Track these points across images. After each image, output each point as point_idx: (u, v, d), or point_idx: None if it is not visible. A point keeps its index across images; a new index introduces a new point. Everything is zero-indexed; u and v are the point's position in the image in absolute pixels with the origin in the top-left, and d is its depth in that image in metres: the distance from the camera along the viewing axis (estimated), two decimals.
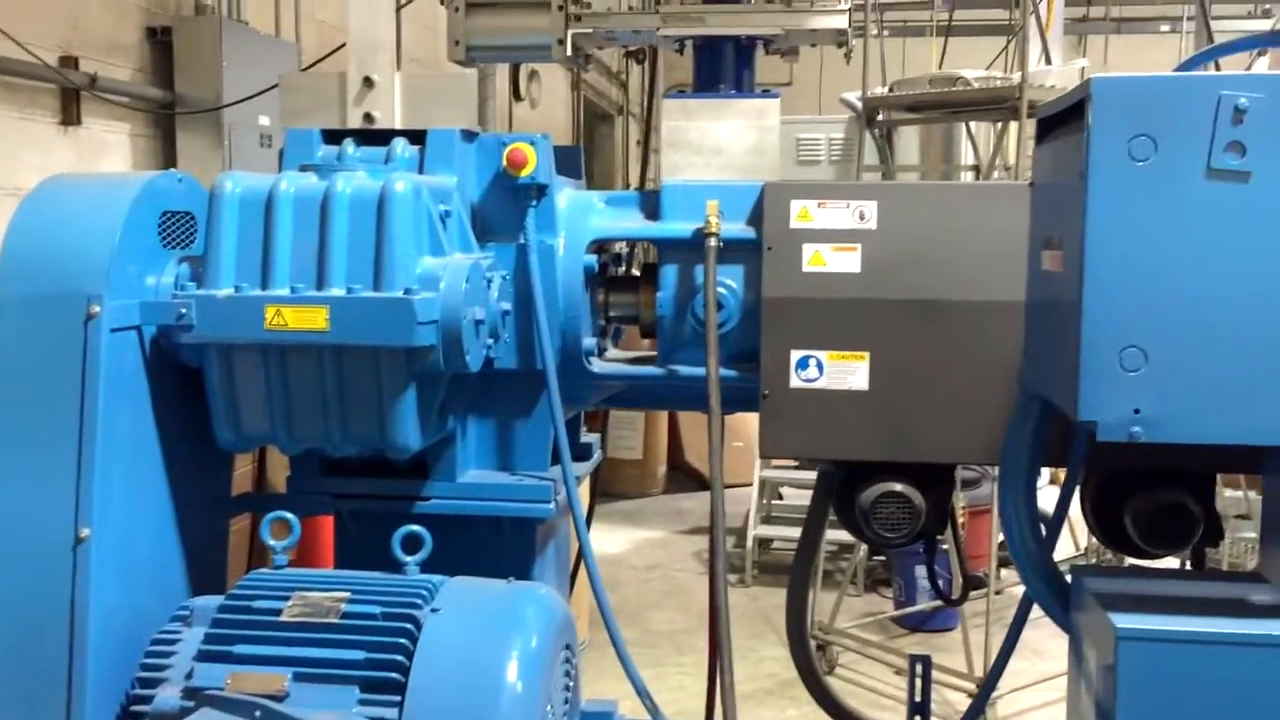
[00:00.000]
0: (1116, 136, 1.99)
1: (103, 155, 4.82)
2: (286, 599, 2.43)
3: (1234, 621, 2.09)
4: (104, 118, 4.77)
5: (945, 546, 5.29)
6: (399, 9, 3.19)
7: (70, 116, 4.56)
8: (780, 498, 8.73)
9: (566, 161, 3.26)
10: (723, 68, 3.32)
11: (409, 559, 2.56)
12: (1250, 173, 1.95)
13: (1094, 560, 6.42)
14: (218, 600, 2.48)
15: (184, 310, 2.53)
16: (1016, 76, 5.39)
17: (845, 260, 2.92)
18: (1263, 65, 7.49)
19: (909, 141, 7.17)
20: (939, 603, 6.48)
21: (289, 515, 2.60)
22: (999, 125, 5.92)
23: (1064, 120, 2.26)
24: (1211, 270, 1.97)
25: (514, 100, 10.79)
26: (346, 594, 2.44)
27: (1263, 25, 13.04)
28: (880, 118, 6.15)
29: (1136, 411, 2.01)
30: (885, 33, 14.26)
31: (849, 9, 3.16)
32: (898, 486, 2.96)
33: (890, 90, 6.71)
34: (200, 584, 2.77)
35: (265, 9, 6.12)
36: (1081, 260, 2.01)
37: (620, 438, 10.18)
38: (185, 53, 5.11)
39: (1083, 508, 3.04)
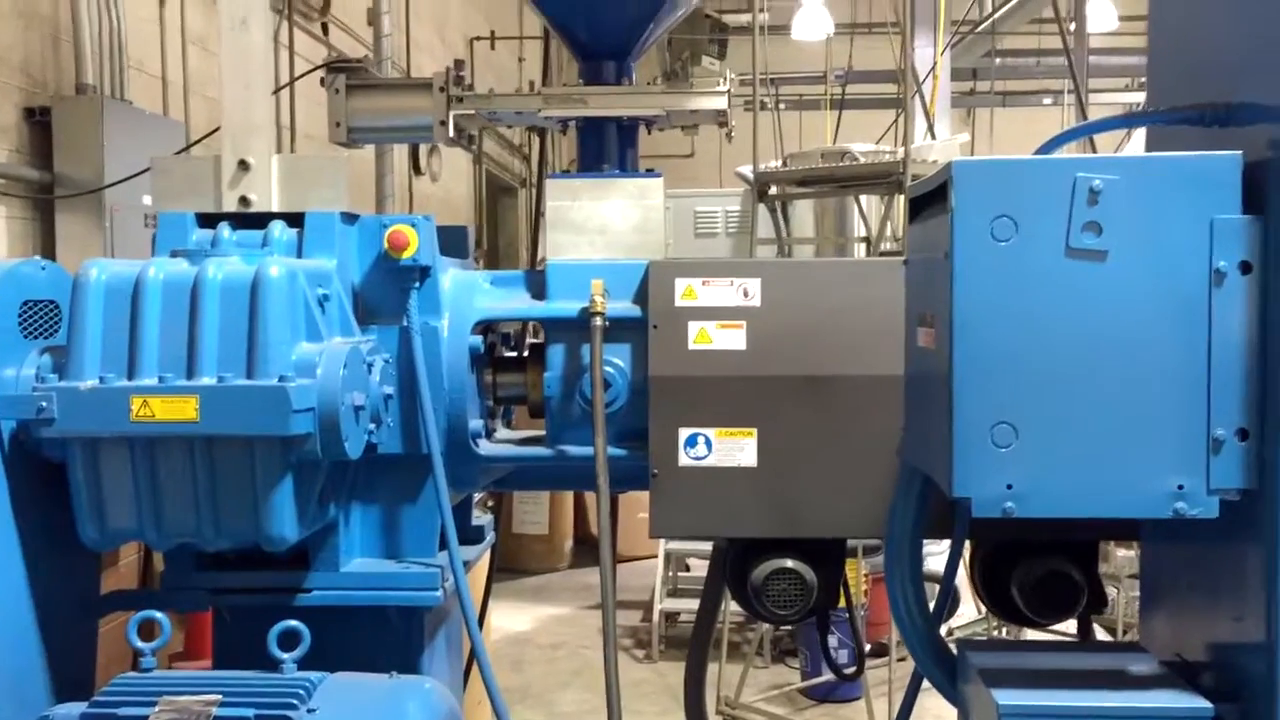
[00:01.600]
0: (978, 218, 2.02)
1: None
2: (153, 705, 2.31)
3: (1113, 694, 2.10)
4: None
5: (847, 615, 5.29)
6: (278, 91, 3.16)
7: None
8: (687, 569, 8.68)
9: (452, 241, 3.24)
10: (606, 148, 3.35)
11: (286, 656, 2.46)
12: (1107, 251, 2.00)
13: (994, 624, 6.48)
14: (80, 708, 2.36)
15: (44, 403, 2.43)
16: (902, 151, 5.53)
17: (731, 337, 2.94)
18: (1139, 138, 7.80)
19: (804, 214, 7.30)
20: None
21: (158, 615, 2.49)
22: (886, 198, 6.06)
23: (931, 201, 2.30)
24: (1074, 347, 2.01)
25: (414, 174, 10.75)
26: (218, 696, 2.33)
27: (1138, 97, 13.62)
28: (773, 192, 6.26)
29: (1009, 487, 2.03)
30: (782, 106, 14.64)
31: (728, 91, 3.21)
32: (789, 563, 2.96)
33: (785, 164, 6.84)
34: (65, 690, 2.64)
35: (151, 87, 6.03)
36: (950, 338, 2.03)
37: (525, 512, 10.06)
38: (65, 133, 4.98)
39: (970, 578, 3.07)
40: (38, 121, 4.99)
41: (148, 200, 5.14)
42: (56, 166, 4.99)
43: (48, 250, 5.03)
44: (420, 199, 10.89)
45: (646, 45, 3.48)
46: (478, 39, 13.28)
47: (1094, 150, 3.65)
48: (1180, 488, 2.00)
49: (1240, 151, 1.99)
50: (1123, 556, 6.36)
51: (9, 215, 4.88)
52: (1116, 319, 2.00)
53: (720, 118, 3.29)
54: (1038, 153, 2.21)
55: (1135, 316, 2.00)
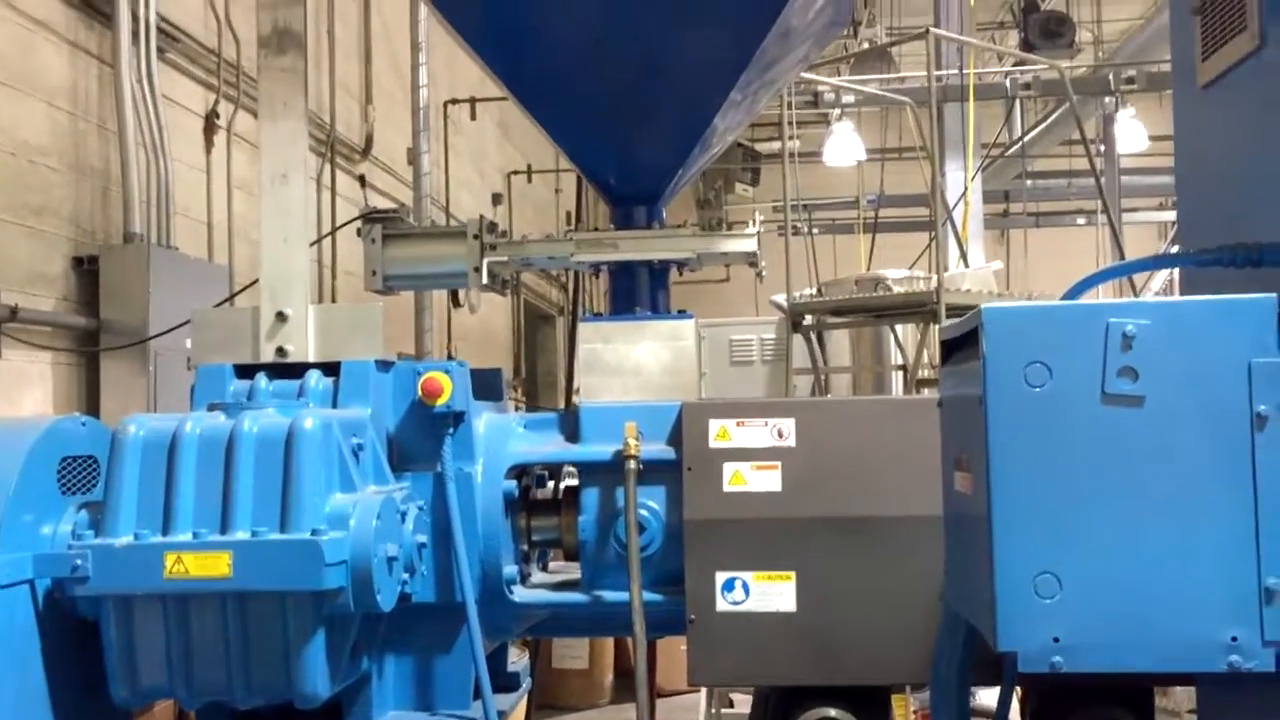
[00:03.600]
0: (1011, 364, 2.00)
1: (22, 388, 4.75)
2: None
3: None
4: (25, 348, 4.72)
5: None
6: (317, 242, 3.23)
7: None
8: (730, 705, 8.45)
9: (486, 383, 3.25)
10: (638, 290, 3.37)
11: None
12: (1144, 397, 1.97)
13: None
14: None
15: (79, 561, 2.43)
16: (936, 280, 5.54)
17: (766, 479, 2.91)
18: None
19: (840, 342, 7.31)
20: None
21: None
22: (922, 326, 6.05)
23: (963, 343, 2.28)
24: (1115, 495, 1.96)
25: (453, 306, 10.90)
26: None
27: (1171, 215, 13.65)
28: (808, 322, 6.28)
29: (1056, 640, 1.97)
30: (816, 231, 14.80)
31: (757, 234, 3.24)
32: (832, 712, 2.88)
33: (819, 291, 6.87)
34: None
35: (196, 231, 6.20)
36: (988, 487, 2.00)
37: (565, 646, 9.89)
38: (112, 281, 5.11)
39: None
40: (86, 270, 5.12)
41: (191, 326, 5.24)
42: (103, 313, 5.10)
43: (92, 395, 5.11)
44: (459, 330, 11.02)
45: (677, 189, 3.54)
46: (515, 173, 13.60)
47: (1121, 253, 3.66)
48: (1234, 640, 1.92)
49: (1276, 294, 1.97)
50: (1182, 691, 6.13)
51: (55, 362, 4.97)
52: (1157, 466, 1.95)
53: (751, 258, 3.32)
54: (1067, 296, 2.19)
55: (1176, 463, 1.95)
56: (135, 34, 5.39)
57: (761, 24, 3.23)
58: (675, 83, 3.38)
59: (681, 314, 3.25)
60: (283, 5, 3.01)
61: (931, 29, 5.45)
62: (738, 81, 3.33)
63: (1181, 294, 2.51)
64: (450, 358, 10.68)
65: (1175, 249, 2.64)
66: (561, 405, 10.50)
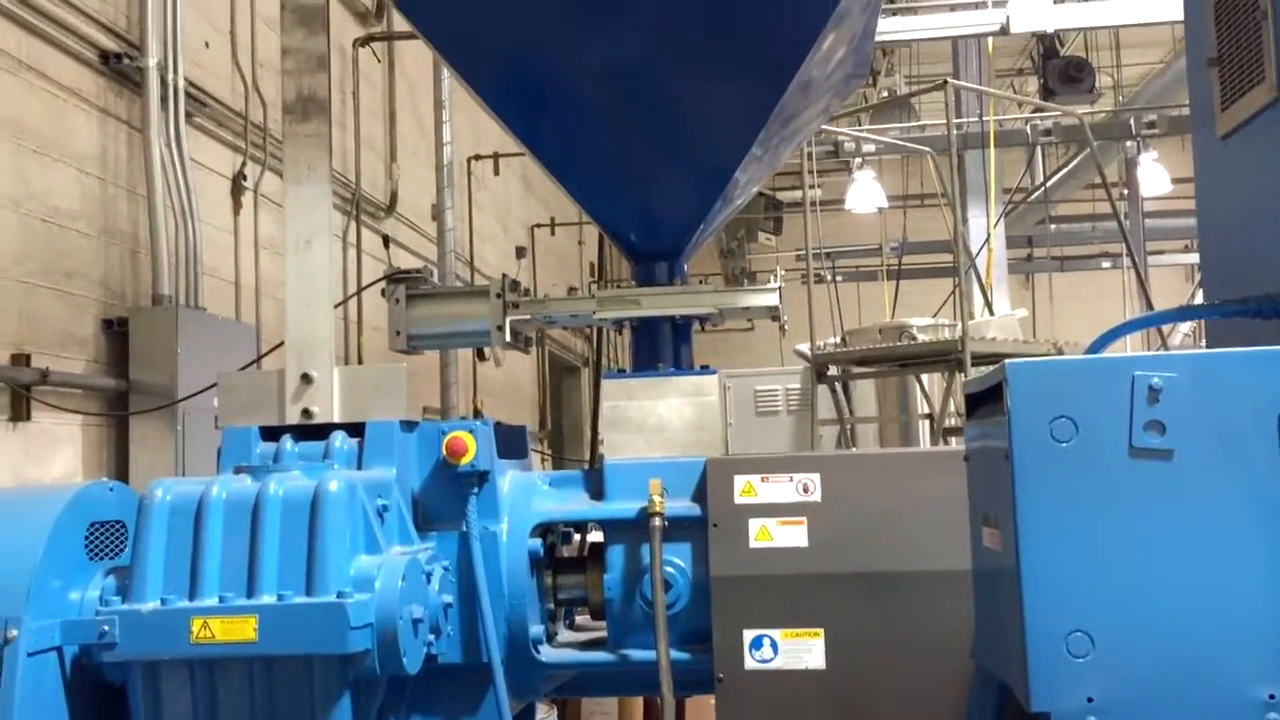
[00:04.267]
0: (1036, 419, 1.99)
1: (52, 449, 4.79)
2: None
3: None
4: (55, 410, 4.77)
5: None
6: (341, 304, 3.26)
7: (19, 413, 4.57)
8: None
9: (511, 441, 3.25)
10: (660, 346, 3.38)
11: None
12: (1172, 450, 1.95)
13: None
14: None
15: (106, 628, 2.44)
16: (960, 329, 5.52)
17: (793, 534, 2.89)
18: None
19: (865, 391, 7.28)
20: None
21: None
22: (948, 375, 6.03)
23: (988, 398, 2.27)
24: (1146, 550, 1.93)
25: (478, 360, 10.94)
26: None
27: (1196, 258, 13.58)
28: (832, 372, 6.26)
29: (1090, 700, 1.93)
30: (839, 278, 14.80)
31: (779, 287, 3.24)
32: None
33: (843, 340, 6.85)
34: None
35: (224, 291, 6.26)
36: (1017, 544, 1.98)
37: (594, 705, 9.80)
38: (141, 342, 5.17)
39: None
40: (115, 332, 5.18)
41: (218, 389, 5.29)
42: (132, 374, 5.16)
43: (121, 455, 5.15)
44: (484, 382, 11.05)
45: (698, 245, 3.56)
46: (538, 226, 13.70)
47: (1146, 298, 3.63)
48: (1271, 697, 1.89)
49: None
50: None
51: (85, 423, 5.02)
52: (1188, 521, 1.93)
53: (773, 313, 3.32)
54: (1091, 349, 2.18)
55: (1207, 517, 1.93)
56: (164, 99, 5.49)
57: (781, 78, 3.24)
58: (695, 140, 3.40)
59: (704, 369, 3.25)
60: (307, 73, 3.06)
61: (949, 80, 5.48)
62: (758, 136, 3.34)
63: (1207, 343, 2.49)
64: (476, 411, 10.70)
65: (1200, 296, 2.63)
66: (587, 458, 10.47)
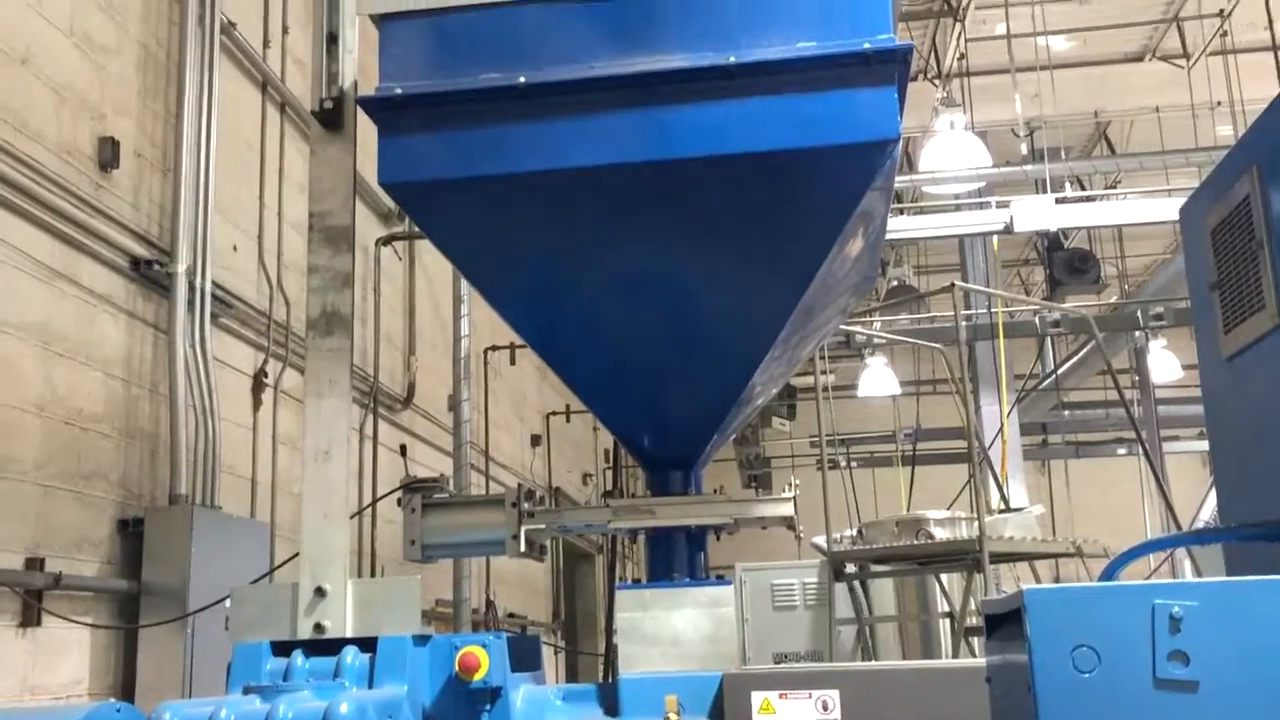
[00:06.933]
0: (1058, 649, 1.96)
1: (60, 655, 4.73)
2: None
3: None
4: (65, 613, 4.73)
5: None
6: (356, 515, 3.27)
7: (30, 618, 4.53)
8: None
9: (524, 653, 3.21)
10: (675, 556, 3.36)
11: None
12: (1198, 682, 1.91)
13: None
14: None
15: None
16: (977, 528, 5.48)
17: None
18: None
19: (884, 586, 7.16)
20: None
21: None
22: (967, 574, 5.95)
23: (1008, 620, 2.24)
24: None
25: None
26: None
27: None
28: (849, 569, 6.19)
29: None
30: (854, 464, 14.78)
31: (794, 497, 3.25)
32: None
33: (860, 533, 6.79)
34: None
35: (240, 487, 6.29)
36: None
37: None
38: (155, 543, 5.17)
39: None
40: (130, 533, 5.18)
41: (229, 603, 5.24)
42: (145, 576, 5.13)
43: (129, 660, 5.07)
44: (498, 572, 10.94)
45: (713, 452, 3.58)
46: (553, 414, 13.80)
47: (1160, 488, 3.58)
48: None
49: None
50: None
51: (95, 624, 4.97)
52: None
53: (787, 521, 3.32)
54: (1105, 574, 2.17)
55: None
56: (191, 302, 5.64)
57: (803, 278, 3.21)
58: (711, 347, 3.44)
59: (720, 580, 3.23)
60: (333, 290, 3.15)
61: (957, 283, 5.61)
62: (777, 338, 3.35)
63: (1226, 564, 2.47)
64: (489, 603, 10.55)
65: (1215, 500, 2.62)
66: (601, 650, 10.25)
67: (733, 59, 2.92)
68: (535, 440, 13.36)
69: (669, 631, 3.12)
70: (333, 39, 3.24)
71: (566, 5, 3.07)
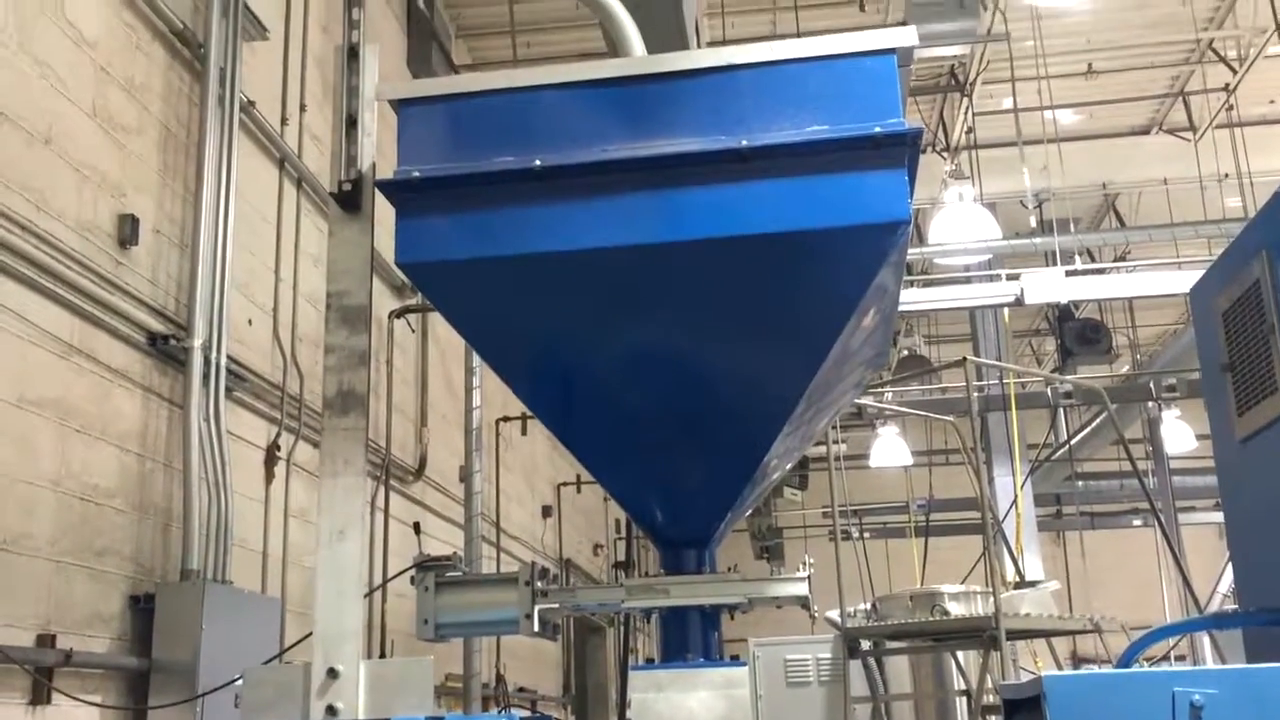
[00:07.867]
0: None
1: None
2: None
3: None
4: (75, 691, 4.70)
5: None
6: (370, 594, 3.25)
7: (40, 696, 4.50)
8: None
9: None
10: (689, 635, 3.34)
11: None
12: None
13: None
14: None
15: None
16: (992, 604, 5.42)
17: None
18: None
19: (899, 663, 7.07)
20: None
21: None
22: (983, 652, 5.87)
23: (1027, 705, 2.22)
24: None
25: None
26: None
27: None
28: (864, 646, 6.11)
29: None
30: (867, 535, 14.66)
31: (808, 577, 3.23)
32: None
33: (873, 607, 6.72)
34: None
35: (251, 561, 6.27)
36: None
37: None
38: (166, 619, 5.14)
39: None
40: (142, 609, 5.16)
41: (241, 684, 5.20)
42: (155, 652, 5.10)
43: None
44: (508, 645, 10.84)
45: (727, 531, 3.57)
46: (564, 484, 13.77)
47: (1176, 560, 3.53)
48: None
49: None
50: None
51: (104, 702, 4.93)
52: None
53: (802, 600, 3.30)
54: (1122, 661, 2.15)
55: None
56: (206, 377, 5.67)
57: (818, 353, 3.21)
58: (725, 425, 3.45)
59: (735, 661, 3.20)
60: (349, 369, 3.18)
61: (968, 358, 5.62)
62: (791, 415, 3.35)
63: (1245, 648, 2.44)
64: (499, 677, 10.45)
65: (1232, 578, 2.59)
66: None
67: (745, 142, 2.96)
68: (546, 511, 13.32)
69: (683, 714, 3.09)
70: (352, 122, 3.30)
71: (580, 90, 3.13)
